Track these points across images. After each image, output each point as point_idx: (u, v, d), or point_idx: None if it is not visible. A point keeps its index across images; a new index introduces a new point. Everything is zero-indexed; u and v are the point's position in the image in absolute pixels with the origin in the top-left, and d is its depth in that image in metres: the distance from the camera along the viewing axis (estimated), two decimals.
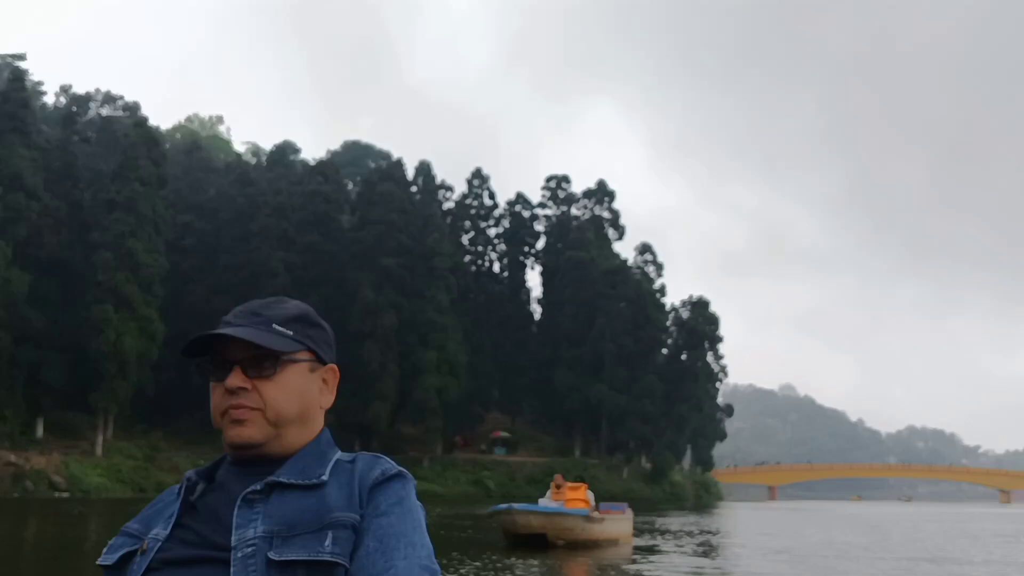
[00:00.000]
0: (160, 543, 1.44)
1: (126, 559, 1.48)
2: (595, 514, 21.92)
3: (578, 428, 79.44)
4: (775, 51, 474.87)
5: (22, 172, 50.83)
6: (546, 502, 22.44)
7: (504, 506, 21.36)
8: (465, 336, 73.80)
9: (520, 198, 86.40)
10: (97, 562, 1.53)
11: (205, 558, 1.37)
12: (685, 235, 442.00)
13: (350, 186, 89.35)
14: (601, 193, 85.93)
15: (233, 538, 1.37)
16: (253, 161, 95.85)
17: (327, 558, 1.33)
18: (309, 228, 72.70)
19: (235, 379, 1.44)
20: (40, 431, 56.28)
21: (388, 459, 1.51)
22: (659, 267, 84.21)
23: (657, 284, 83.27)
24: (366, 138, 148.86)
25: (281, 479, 1.41)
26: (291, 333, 1.50)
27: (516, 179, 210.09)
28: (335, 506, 1.39)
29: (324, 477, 1.43)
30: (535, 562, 17.60)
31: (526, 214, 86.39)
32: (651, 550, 22.16)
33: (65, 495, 48.75)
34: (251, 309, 1.52)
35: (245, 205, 73.37)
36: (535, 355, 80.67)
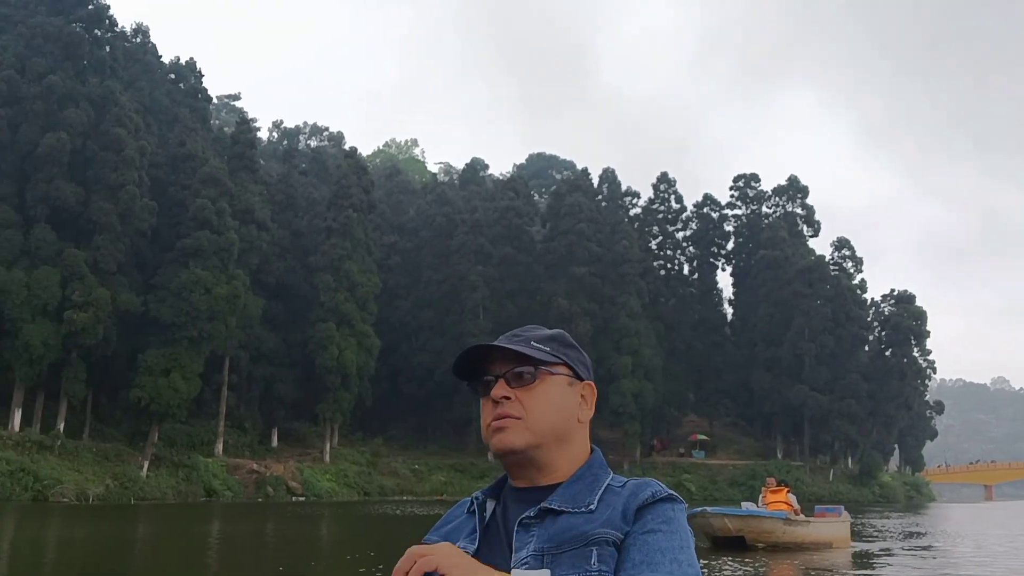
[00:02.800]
0: None
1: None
2: (797, 516, 21.64)
3: (778, 430, 78.21)
4: (979, 29, 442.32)
5: (253, 206, 56.42)
6: (750, 505, 22.45)
7: (698, 510, 21.33)
8: (658, 340, 74.56)
9: (708, 199, 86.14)
10: None
11: None
12: (890, 225, 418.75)
13: (536, 197, 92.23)
14: (793, 189, 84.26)
15: (512, 560, 1.51)
16: (445, 179, 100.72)
17: (594, 575, 1.41)
18: (503, 242, 75.79)
19: (499, 389, 1.59)
20: (275, 441, 62.03)
21: (659, 483, 1.58)
22: (858, 262, 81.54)
23: (856, 280, 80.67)
24: (550, 149, 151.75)
25: (553, 506, 1.51)
26: (548, 349, 1.64)
27: (703, 181, 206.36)
28: (600, 524, 1.47)
29: (593, 507, 1.51)
30: (738, 563, 17.76)
31: (714, 215, 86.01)
32: (873, 554, 21.55)
33: (301, 499, 53.57)
34: (511, 333, 1.70)
35: (443, 223, 77.45)
36: (730, 357, 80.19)
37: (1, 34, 49.73)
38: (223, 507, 46.29)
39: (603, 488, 1.57)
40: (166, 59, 65.21)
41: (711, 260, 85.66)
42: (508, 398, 1.60)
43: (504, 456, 1.58)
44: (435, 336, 73.20)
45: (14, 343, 44.55)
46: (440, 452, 70.65)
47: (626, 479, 1.62)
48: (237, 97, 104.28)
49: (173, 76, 64.43)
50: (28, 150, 46.92)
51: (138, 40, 61.15)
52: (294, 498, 53.45)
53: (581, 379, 1.68)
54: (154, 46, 63.91)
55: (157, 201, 50.31)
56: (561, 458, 1.58)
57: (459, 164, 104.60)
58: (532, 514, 1.50)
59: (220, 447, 55.18)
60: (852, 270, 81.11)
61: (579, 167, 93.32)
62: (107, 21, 51.73)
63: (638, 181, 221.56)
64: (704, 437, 78.67)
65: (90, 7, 50.74)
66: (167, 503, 45.54)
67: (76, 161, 47.75)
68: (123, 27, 56.12)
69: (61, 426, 46.37)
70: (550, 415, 1.59)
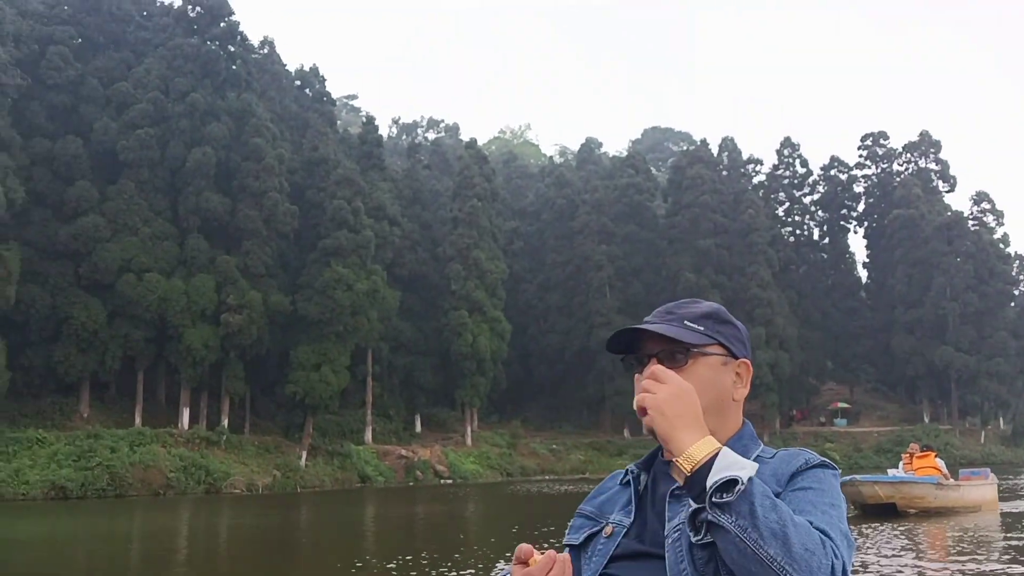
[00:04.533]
0: (625, 528, 1.66)
1: (589, 538, 1.72)
2: (947, 481, 21.56)
3: (923, 393, 75.72)
4: None
5: (384, 203, 58.45)
6: (897, 472, 22.46)
7: (847, 478, 21.18)
8: (791, 308, 73.28)
9: (835, 161, 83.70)
10: (564, 541, 1.78)
11: (653, 554, 1.56)
12: None
13: (655, 172, 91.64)
14: (925, 144, 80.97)
15: (666, 528, 1.56)
16: (561, 161, 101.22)
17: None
18: (625, 219, 75.85)
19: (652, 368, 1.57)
20: (418, 426, 64.29)
21: (811, 451, 1.59)
22: (999, 215, 77.77)
23: (999, 234, 77.06)
24: (664, 122, 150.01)
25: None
26: (701, 328, 1.65)
27: (828, 143, 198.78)
28: None
29: None
30: (889, 527, 18.15)
31: (843, 177, 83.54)
32: (1022, 515, 21.42)
33: (448, 481, 55.46)
34: (666, 309, 1.71)
35: (564, 205, 78.10)
36: (868, 321, 78.03)
37: (145, 57, 53.01)
38: (377, 492, 48.50)
39: (753, 458, 1.61)
40: (291, 67, 67.98)
41: (842, 223, 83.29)
42: None
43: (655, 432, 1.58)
44: (563, 317, 74.07)
45: (178, 347, 47.75)
46: (576, 431, 71.61)
47: (775, 450, 1.67)
48: (355, 97, 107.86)
49: (299, 83, 67.13)
50: (177, 165, 50.00)
51: (265, 51, 64.00)
52: (442, 481, 55.38)
53: (736, 357, 1.71)
54: (279, 56, 66.72)
55: (296, 205, 52.77)
56: (714, 435, 1.54)
57: (574, 145, 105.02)
58: (682, 484, 1.49)
59: (369, 435, 57.67)
60: (993, 224, 77.51)
61: (696, 138, 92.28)
62: (239, 37, 54.41)
63: (759, 148, 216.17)
64: (845, 405, 76.92)
65: (223, 25, 53.45)
66: (326, 490, 48.05)
67: (221, 172, 50.59)
68: (252, 41, 58.72)
69: (225, 422, 49.45)
70: (703, 395, 1.57)
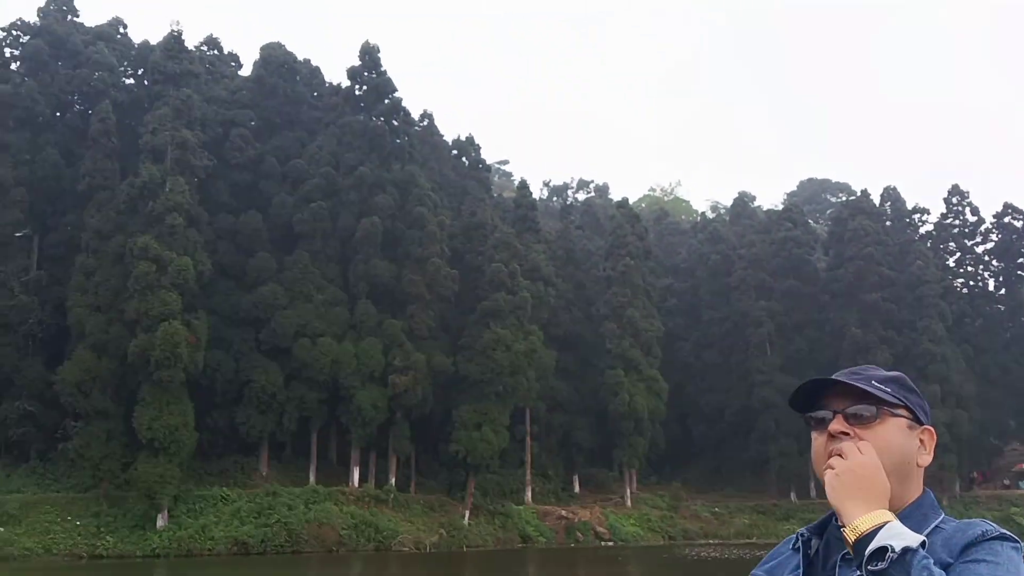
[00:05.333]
0: None
1: None
2: None
3: None
4: None
5: (539, 265, 59.62)
6: None
7: None
8: (968, 364, 69.09)
9: (1009, 208, 79.06)
10: None
11: None
12: None
13: (812, 224, 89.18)
14: None
15: None
16: (713, 216, 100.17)
17: None
18: (784, 274, 73.98)
19: (837, 424, 1.60)
20: (576, 487, 64.10)
21: (991, 523, 1.56)
22: None
23: None
24: (820, 173, 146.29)
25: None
26: (889, 390, 1.65)
27: (1001, 190, 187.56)
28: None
29: None
30: None
31: (1018, 224, 78.72)
32: None
33: (609, 543, 54.93)
34: (850, 370, 1.72)
35: (719, 261, 77.02)
36: None
37: (316, 135, 56.70)
38: (539, 552, 48.63)
39: (931, 528, 1.58)
40: (448, 137, 70.85)
41: (1019, 273, 78.26)
42: (847, 434, 1.63)
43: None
44: (721, 375, 72.56)
45: (349, 407, 49.87)
46: (739, 494, 69.43)
47: (956, 520, 1.63)
48: (506, 162, 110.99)
49: (456, 152, 69.83)
50: (347, 235, 52.84)
51: (425, 123, 67.07)
52: (602, 543, 54.90)
53: (921, 423, 1.70)
54: (437, 127, 69.76)
55: (456, 269, 54.56)
56: (893, 501, 1.56)
57: (726, 200, 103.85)
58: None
59: (529, 494, 58.00)
60: None
61: (855, 188, 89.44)
62: (401, 112, 57.41)
63: (923, 197, 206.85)
64: None
65: (387, 101, 56.59)
66: (489, 549, 48.58)
67: (387, 240, 53.07)
68: (412, 114, 61.80)
69: (392, 481, 51.03)
70: (888, 456, 1.58)
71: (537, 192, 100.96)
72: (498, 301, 53.27)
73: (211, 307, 49.42)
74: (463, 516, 51.05)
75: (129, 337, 44.32)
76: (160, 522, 43.48)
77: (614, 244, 66.76)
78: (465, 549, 47.46)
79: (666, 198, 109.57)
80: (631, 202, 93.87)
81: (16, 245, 50.97)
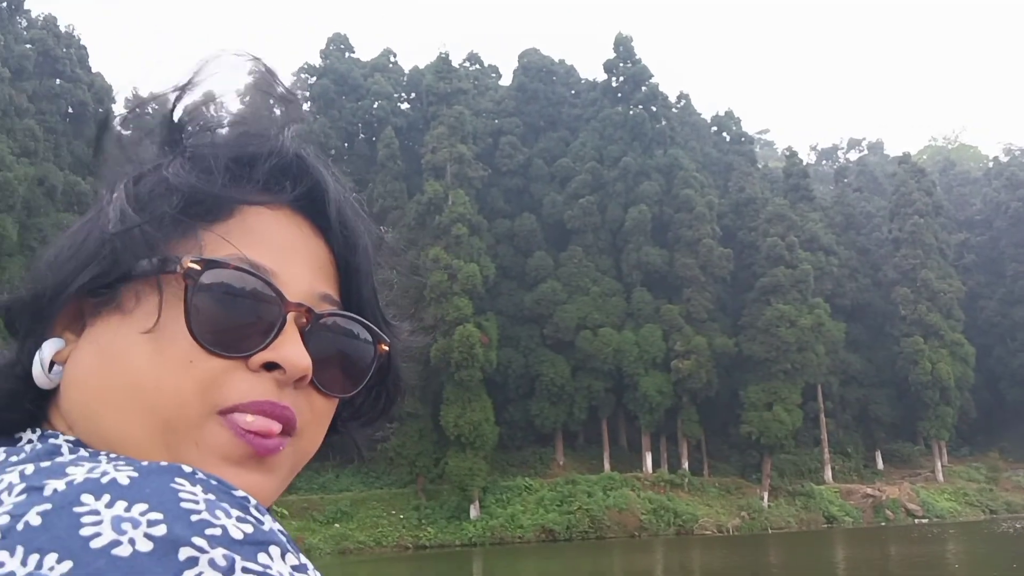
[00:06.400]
0: None
1: None
2: None
3: None
4: None
5: (816, 234, 57.27)
6: None
7: None
8: None
9: None
10: None
11: None
12: None
13: None
14: None
15: None
16: (1007, 159, 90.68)
17: None
18: None
19: None
20: (879, 463, 60.85)
21: None
22: None
23: None
24: None
25: None
26: None
27: None
28: None
29: None
30: None
31: None
32: None
33: (923, 520, 51.69)
34: None
35: (1020, 208, 69.88)
36: None
37: (579, 132, 58.15)
38: (846, 532, 46.90)
39: None
40: (706, 115, 69.72)
41: None
42: None
43: None
44: None
45: (635, 395, 50.78)
46: None
47: None
48: (767, 131, 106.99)
49: (715, 128, 68.58)
50: (616, 226, 53.82)
51: (682, 104, 66.47)
52: (915, 520, 51.84)
53: None
54: (694, 107, 68.84)
55: (729, 247, 53.77)
56: None
57: (1022, 140, 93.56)
58: None
59: (828, 473, 55.96)
60: None
61: None
62: (659, 98, 57.43)
63: None
64: None
65: (644, 89, 56.88)
66: (792, 531, 47.51)
67: (656, 227, 53.41)
68: (669, 98, 61.49)
69: (686, 465, 51.33)
70: None
71: (805, 158, 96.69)
72: (777, 276, 51.84)
73: (497, 308, 52.32)
74: (761, 498, 50.27)
75: (429, 343, 48.06)
76: (473, 512, 46.78)
77: (898, 203, 62.55)
78: (770, 531, 46.75)
79: (950, 146, 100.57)
80: (912, 156, 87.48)
81: None
